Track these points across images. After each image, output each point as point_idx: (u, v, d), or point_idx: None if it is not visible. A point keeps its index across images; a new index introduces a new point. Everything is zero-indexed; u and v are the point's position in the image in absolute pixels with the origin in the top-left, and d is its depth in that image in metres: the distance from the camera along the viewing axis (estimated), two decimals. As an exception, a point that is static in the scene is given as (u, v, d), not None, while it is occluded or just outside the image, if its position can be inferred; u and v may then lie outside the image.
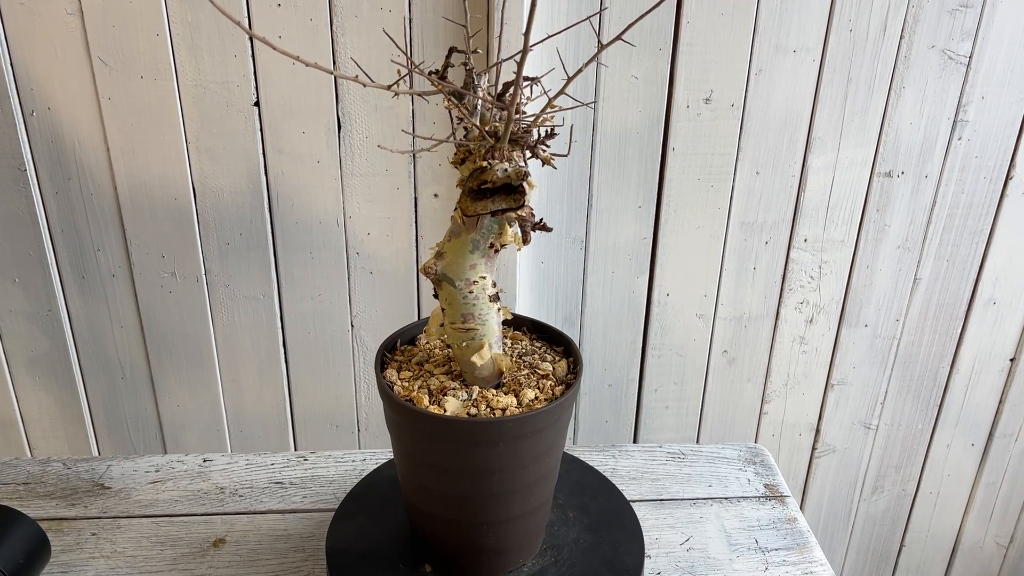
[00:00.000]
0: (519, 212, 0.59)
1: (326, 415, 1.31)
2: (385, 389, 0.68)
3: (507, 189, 0.59)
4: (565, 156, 0.66)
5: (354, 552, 0.77)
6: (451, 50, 0.63)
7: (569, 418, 0.71)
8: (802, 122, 1.17)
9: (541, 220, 0.64)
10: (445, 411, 0.67)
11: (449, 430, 0.65)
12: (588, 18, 0.72)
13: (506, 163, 0.58)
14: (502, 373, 0.71)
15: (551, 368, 0.72)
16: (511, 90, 0.63)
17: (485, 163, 0.59)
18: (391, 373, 0.73)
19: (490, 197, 0.58)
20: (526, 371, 0.72)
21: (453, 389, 0.70)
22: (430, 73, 0.61)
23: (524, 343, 0.77)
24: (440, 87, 0.59)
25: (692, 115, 1.14)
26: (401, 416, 0.68)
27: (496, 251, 0.68)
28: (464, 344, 0.70)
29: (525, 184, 0.57)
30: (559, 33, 0.70)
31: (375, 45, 1.07)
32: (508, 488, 0.69)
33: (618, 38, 0.54)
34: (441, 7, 1.05)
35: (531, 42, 0.51)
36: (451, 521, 0.72)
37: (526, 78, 0.62)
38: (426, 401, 0.68)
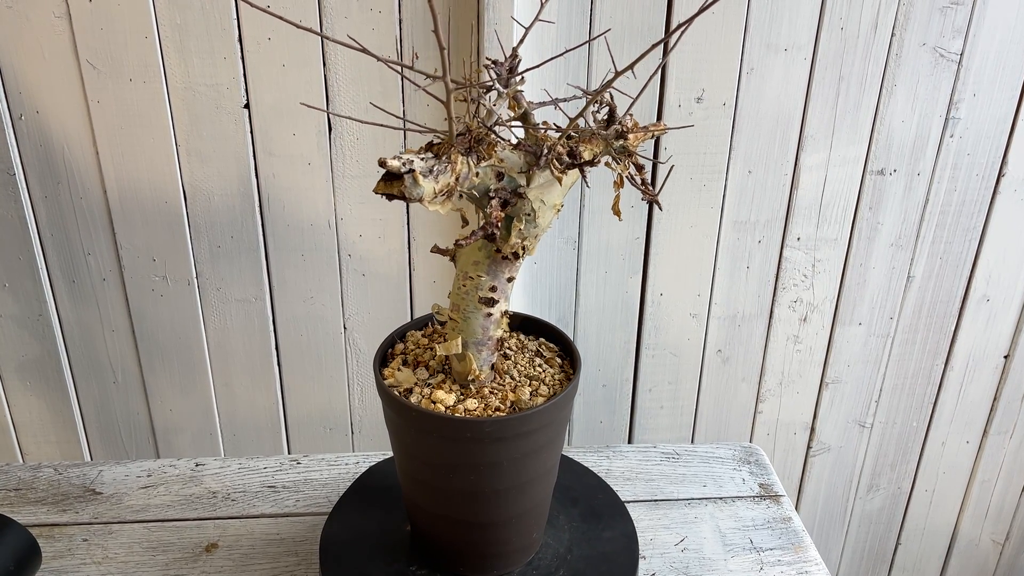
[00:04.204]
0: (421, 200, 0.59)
1: (319, 418, 1.30)
2: (377, 363, 0.72)
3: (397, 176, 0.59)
4: (656, 196, 0.66)
5: (347, 555, 0.77)
6: (514, 51, 0.65)
7: (515, 448, 0.68)
8: (794, 120, 1.16)
9: (492, 230, 0.64)
10: (393, 377, 0.71)
11: (386, 397, 0.69)
12: (601, 34, 0.72)
13: (418, 155, 0.59)
14: (468, 376, 0.71)
15: (526, 395, 0.70)
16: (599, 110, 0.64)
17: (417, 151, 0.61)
18: (415, 335, 0.77)
19: (389, 181, 0.59)
20: (504, 388, 0.71)
21: (427, 367, 0.73)
22: (494, 62, 0.62)
23: (550, 371, 0.74)
24: (469, 81, 0.60)
25: (684, 114, 1.14)
26: (376, 382, 0.71)
27: (504, 257, 0.67)
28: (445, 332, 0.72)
29: (409, 177, 0.57)
30: (561, 54, 0.70)
31: (365, 45, 1.06)
32: (439, 485, 0.71)
33: (636, 64, 0.54)
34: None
35: (530, 64, 0.51)
36: (409, 498, 0.76)
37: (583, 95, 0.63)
38: (396, 364, 0.73)
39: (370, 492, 0.85)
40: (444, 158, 0.59)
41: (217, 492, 0.91)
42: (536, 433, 0.68)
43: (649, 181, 0.68)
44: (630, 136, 0.65)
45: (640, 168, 0.67)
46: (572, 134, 0.66)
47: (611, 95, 0.65)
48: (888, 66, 1.14)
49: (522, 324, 0.80)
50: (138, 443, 1.31)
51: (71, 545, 0.83)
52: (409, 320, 1.22)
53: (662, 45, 1.10)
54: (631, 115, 0.66)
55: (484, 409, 0.69)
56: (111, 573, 0.80)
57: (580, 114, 0.60)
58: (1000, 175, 1.24)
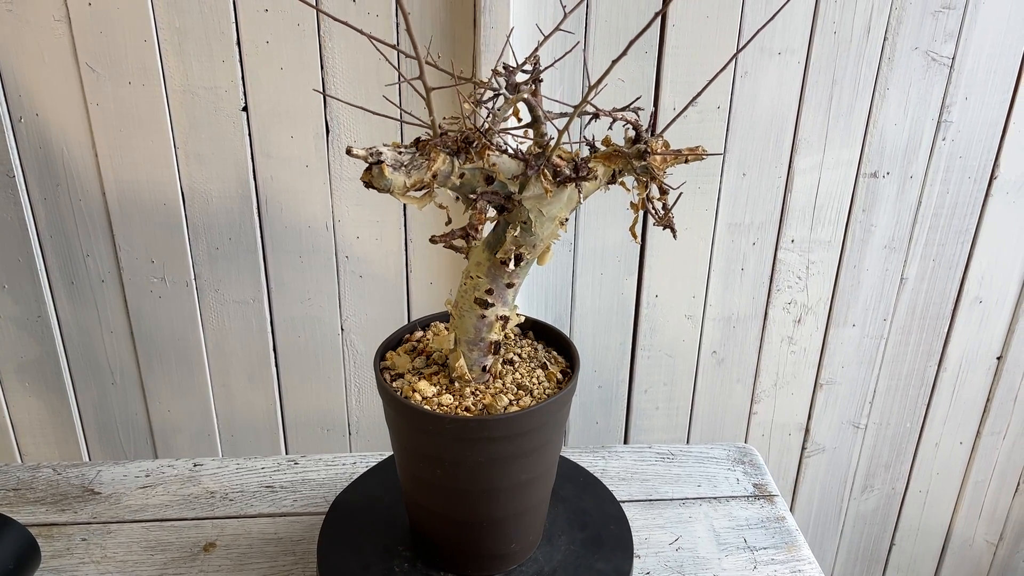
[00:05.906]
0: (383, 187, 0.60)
1: (316, 419, 1.31)
2: (383, 347, 0.75)
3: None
4: (672, 223, 0.65)
5: (344, 555, 0.78)
6: (530, 57, 0.65)
7: (480, 452, 0.68)
8: (788, 124, 1.17)
9: (468, 232, 0.65)
10: (392, 361, 0.75)
11: (378, 379, 0.71)
12: (573, 48, 0.73)
13: (394, 148, 0.59)
14: (455, 372, 0.72)
15: (504, 403, 0.70)
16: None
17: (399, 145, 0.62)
18: (437, 326, 0.80)
19: (370, 170, 0.60)
20: (489, 391, 0.72)
21: (427, 357, 0.75)
22: (506, 67, 0.63)
23: (544, 384, 0.74)
24: (474, 80, 0.60)
25: (679, 117, 1.15)
26: (374, 362, 0.74)
27: (502, 262, 0.68)
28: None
29: (376, 167, 0.58)
30: (552, 64, 0.71)
31: (362, 49, 1.07)
32: (413, 471, 0.73)
33: (606, 76, 0.54)
34: (428, 12, 1.06)
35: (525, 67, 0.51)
36: (407, 493, 0.77)
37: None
38: (403, 349, 0.76)
39: (368, 492, 0.86)
40: (421, 154, 0.60)
41: (215, 492, 0.92)
42: (503, 442, 0.68)
43: (669, 205, 0.65)
44: (656, 158, 0.63)
45: (664, 192, 0.64)
46: (599, 147, 0.66)
47: (653, 112, 0.64)
48: (881, 70, 1.15)
49: (543, 333, 0.80)
50: (136, 443, 1.32)
51: (70, 544, 0.84)
52: (407, 322, 1.23)
53: (656, 53, 1.11)
54: (663, 136, 0.64)
55: (456, 407, 0.69)
56: (110, 572, 0.81)
57: (566, 127, 0.61)
58: (992, 178, 1.25)
